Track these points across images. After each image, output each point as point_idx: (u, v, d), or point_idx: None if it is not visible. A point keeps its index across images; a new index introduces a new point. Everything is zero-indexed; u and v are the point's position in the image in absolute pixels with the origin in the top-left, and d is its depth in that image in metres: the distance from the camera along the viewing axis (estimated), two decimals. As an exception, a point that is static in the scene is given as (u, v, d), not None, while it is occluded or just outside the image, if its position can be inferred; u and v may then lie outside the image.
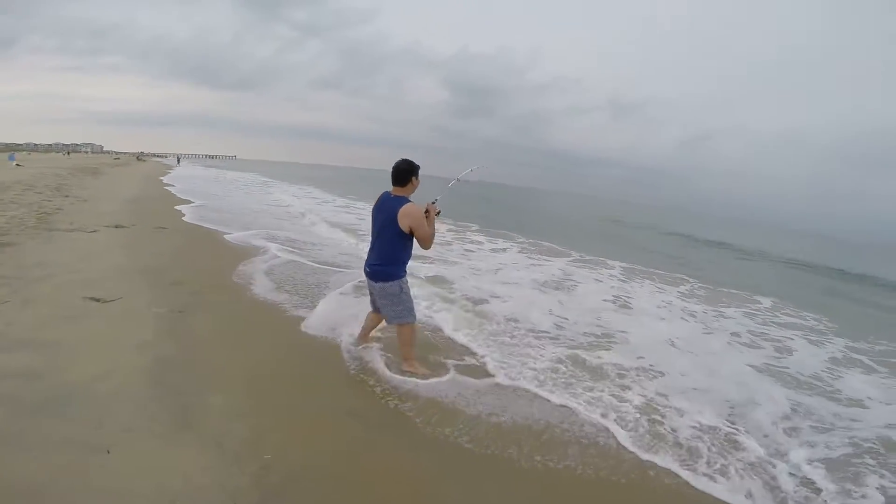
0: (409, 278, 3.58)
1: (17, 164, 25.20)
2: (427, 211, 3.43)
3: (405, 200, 3.40)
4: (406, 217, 3.33)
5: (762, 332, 6.21)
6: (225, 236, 8.19)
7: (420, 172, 3.49)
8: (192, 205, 12.20)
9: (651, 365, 4.31)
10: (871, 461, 3.12)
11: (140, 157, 76.58)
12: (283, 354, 3.74)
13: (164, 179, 22.55)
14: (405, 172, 3.41)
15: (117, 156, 78.14)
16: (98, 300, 4.26)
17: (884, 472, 3.00)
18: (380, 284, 3.48)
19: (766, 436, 3.30)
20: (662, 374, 4.16)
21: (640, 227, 30.90)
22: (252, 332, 4.07)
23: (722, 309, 7.28)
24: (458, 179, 4.14)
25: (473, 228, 14.46)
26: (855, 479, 2.90)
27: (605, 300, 6.90)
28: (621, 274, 9.61)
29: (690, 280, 9.72)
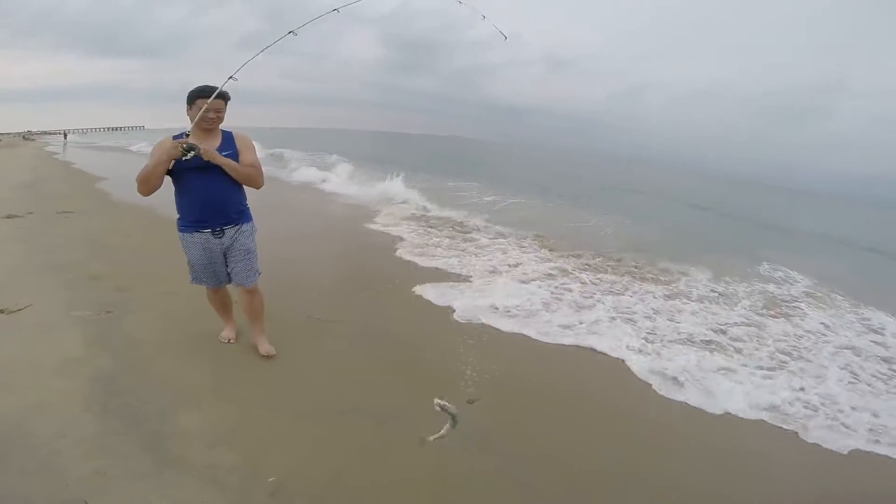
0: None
1: None
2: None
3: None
4: None
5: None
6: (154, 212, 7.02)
7: (230, 103, 2.65)
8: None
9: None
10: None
11: (27, 136, 66.67)
12: (244, 350, 3.18)
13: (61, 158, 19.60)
14: None
15: (-1, 137, 67.60)
16: (2, 311, 3.39)
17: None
18: None
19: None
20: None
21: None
22: (204, 328, 3.37)
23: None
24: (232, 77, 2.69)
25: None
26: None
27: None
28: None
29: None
